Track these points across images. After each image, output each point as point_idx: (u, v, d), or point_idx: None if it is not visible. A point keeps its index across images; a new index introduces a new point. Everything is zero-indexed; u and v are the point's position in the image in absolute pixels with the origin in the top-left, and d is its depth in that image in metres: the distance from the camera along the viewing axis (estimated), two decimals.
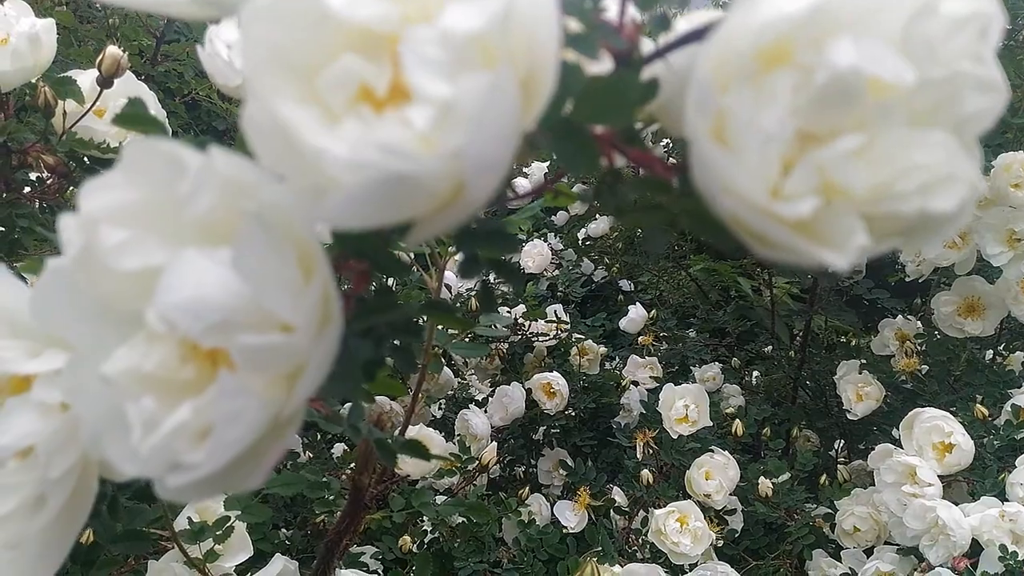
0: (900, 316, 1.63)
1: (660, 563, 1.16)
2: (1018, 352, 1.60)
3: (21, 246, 0.82)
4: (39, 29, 0.82)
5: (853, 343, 1.82)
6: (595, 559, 0.99)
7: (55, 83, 0.81)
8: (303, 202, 0.24)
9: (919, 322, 1.60)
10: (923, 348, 1.56)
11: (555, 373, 1.56)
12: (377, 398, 0.77)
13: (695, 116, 0.25)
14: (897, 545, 1.14)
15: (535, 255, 2.02)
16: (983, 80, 0.25)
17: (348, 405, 0.47)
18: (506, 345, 1.72)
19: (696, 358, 1.91)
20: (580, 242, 2.22)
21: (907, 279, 1.54)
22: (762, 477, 1.33)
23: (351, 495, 0.58)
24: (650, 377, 1.75)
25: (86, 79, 0.83)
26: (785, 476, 1.34)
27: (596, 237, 2.18)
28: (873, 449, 1.22)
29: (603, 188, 0.30)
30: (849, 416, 1.53)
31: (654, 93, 0.28)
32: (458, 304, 1.45)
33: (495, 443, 1.37)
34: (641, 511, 1.34)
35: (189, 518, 0.80)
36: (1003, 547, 1.01)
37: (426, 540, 1.24)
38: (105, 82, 0.82)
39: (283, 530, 1.25)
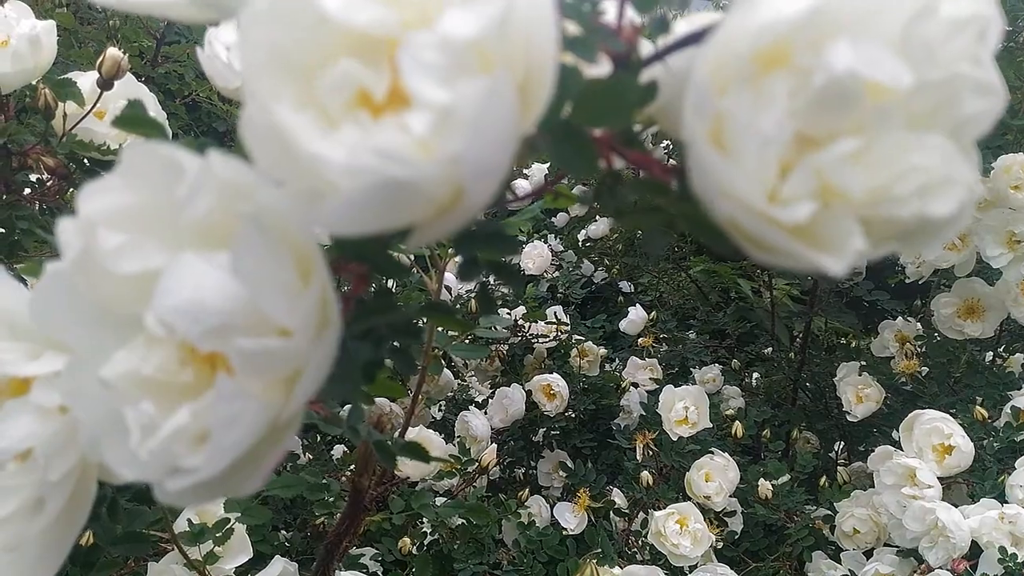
0: (900, 318, 1.63)
1: (660, 565, 1.16)
2: (1018, 354, 1.60)
3: (21, 248, 0.82)
4: (39, 31, 0.82)
5: (853, 345, 1.82)
6: (595, 561, 0.99)
7: (55, 85, 0.81)
8: (301, 206, 0.24)
9: (919, 324, 1.60)
10: (923, 350, 1.56)
11: (555, 375, 1.56)
12: (377, 400, 0.77)
13: (693, 119, 0.25)
14: (897, 547, 1.14)
15: (535, 257, 2.02)
16: (981, 82, 0.25)
17: (348, 407, 0.47)
18: (506, 347, 1.72)
19: (696, 360, 1.91)
20: (580, 244, 2.22)
21: (907, 281, 1.54)
22: (762, 479, 1.32)
23: (351, 497, 0.58)
24: (650, 379, 1.75)
25: (86, 81, 0.83)
26: (785, 478, 1.34)
27: (596, 239, 2.18)
28: (873, 451, 1.22)
29: (603, 190, 0.30)
30: (849, 418, 1.53)
31: (653, 96, 0.28)
32: (458, 306, 1.44)
33: (495, 445, 1.37)
34: (641, 513, 1.34)
35: (189, 520, 0.80)
36: (1002, 549, 1.01)
37: (426, 542, 1.24)
38: (105, 84, 0.82)
39: (283, 532, 1.25)
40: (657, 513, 1.22)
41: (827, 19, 0.24)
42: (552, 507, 1.38)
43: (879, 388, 1.50)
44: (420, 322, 0.43)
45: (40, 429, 0.31)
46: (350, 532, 0.59)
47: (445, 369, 1.53)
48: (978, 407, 1.25)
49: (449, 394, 1.62)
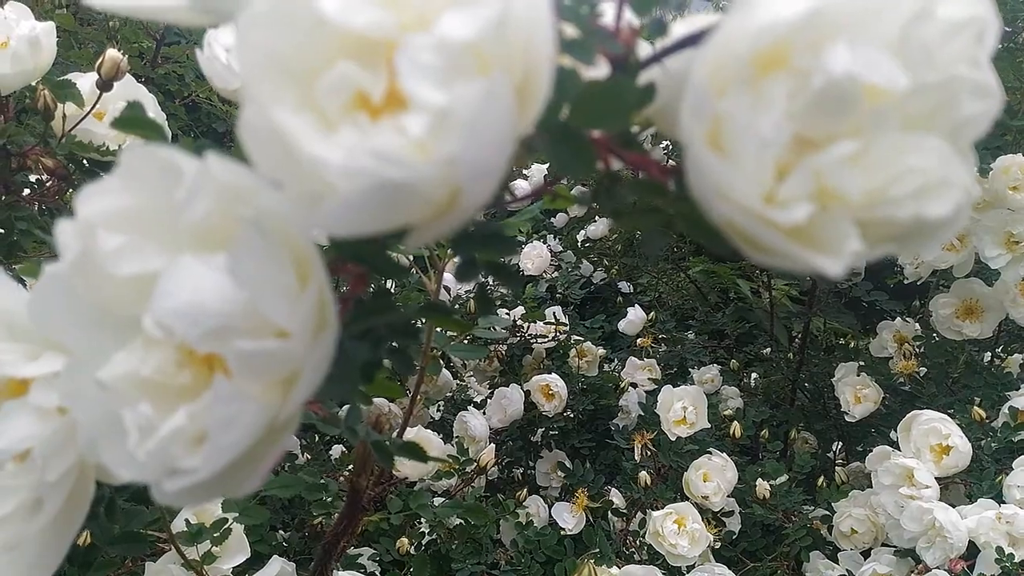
0: (899, 318, 1.63)
1: (658, 565, 1.16)
2: (1016, 354, 1.60)
3: (20, 248, 0.82)
4: (39, 32, 0.82)
5: (851, 345, 1.82)
6: (593, 561, 1.00)
7: (55, 86, 0.81)
8: (299, 208, 0.24)
9: (917, 324, 1.60)
10: (921, 350, 1.56)
11: (554, 375, 1.56)
12: (375, 400, 0.77)
13: (691, 120, 0.25)
14: (894, 547, 1.14)
15: (534, 257, 2.02)
16: (979, 84, 0.26)
17: (346, 407, 0.47)
18: (505, 347, 1.72)
19: (695, 360, 1.91)
20: (579, 244, 2.22)
21: (905, 281, 1.54)
22: (760, 479, 1.32)
23: (349, 497, 0.58)
24: (648, 379, 1.75)
25: (86, 82, 0.83)
26: (783, 478, 1.34)
27: (595, 239, 2.18)
28: (871, 451, 1.22)
29: (601, 191, 0.30)
30: (847, 418, 1.53)
31: (651, 98, 0.28)
32: (456, 306, 1.44)
33: (493, 445, 1.37)
34: (639, 513, 1.34)
35: (187, 520, 0.80)
36: (1000, 549, 1.01)
37: (424, 542, 1.24)
38: (105, 85, 0.82)
39: (281, 532, 1.25)
40: (655, 513, 1.22)
41: (826, 21, 0.24)
42: (550, 507, 1.37)
43: (877, 388, 1.50)
44: (419, 322, 0.43)
45: (39, 430, 0.31)
46: (348, 532, 0.59)
47: (443, 369, 1.53)
48: (976, 407, 1.25)
49: (447, 394, 1.62)
